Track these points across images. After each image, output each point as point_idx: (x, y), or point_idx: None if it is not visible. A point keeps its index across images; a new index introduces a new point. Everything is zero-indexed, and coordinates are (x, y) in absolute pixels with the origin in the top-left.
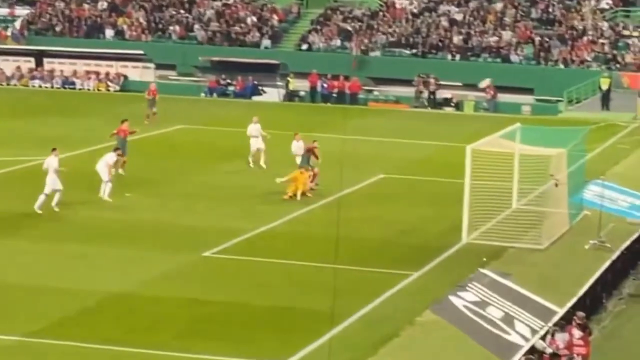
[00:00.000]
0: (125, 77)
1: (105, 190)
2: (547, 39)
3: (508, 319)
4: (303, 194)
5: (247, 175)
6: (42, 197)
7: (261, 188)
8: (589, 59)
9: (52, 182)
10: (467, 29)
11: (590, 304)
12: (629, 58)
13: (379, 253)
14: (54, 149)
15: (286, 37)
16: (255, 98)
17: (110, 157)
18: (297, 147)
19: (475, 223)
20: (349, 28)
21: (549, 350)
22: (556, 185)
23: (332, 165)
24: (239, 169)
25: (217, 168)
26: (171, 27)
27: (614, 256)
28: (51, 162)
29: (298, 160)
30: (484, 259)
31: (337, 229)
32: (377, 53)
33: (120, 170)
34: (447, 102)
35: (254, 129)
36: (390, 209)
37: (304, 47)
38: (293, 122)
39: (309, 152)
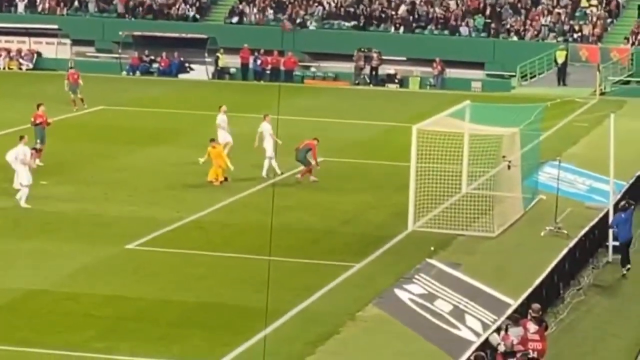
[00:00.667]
0: (39, 54)
1: (22, 197)
2: (499, 9)
3: (458, 313)
4: (224, 179)
5: (174, 159)
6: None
7: (190, 174)
8: (544, 30)
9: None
10: None
11: (547, 295)
12: (587, 29)
13: (318, 243)
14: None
15: (215, 9)
16: (182, 76)
17: (23, 153)
18: (266, 129)
19: (422, 209)
20: None
21: (502, 348)
22: (509, 167)
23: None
24: (165, 153)
25: (141, 152)
26: None
27: (572, 243)
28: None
29: (267, 144)
30: (432, 248)
31: (272, 218)
32: (314, 26)
33: (37, 161)
34: (390, 78)
35: (222, 119)
36: (330, 195)
37: (235, 20)
38: (223, 101)
39: (308, 149)
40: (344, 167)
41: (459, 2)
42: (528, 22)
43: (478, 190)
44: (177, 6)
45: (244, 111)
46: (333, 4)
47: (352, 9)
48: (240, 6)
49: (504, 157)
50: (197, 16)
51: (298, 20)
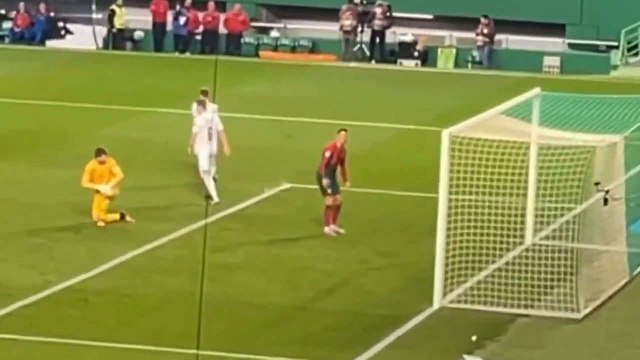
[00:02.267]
0: None
1: None
2: None
3: None
4: (120, 216)
5: (37, 185)
6: None
7: (64, 209)
8: None
9: None
10: None
11: None
12: None
13: (279, 329)
14: None
15: None
16: (52, 43)
17: None
18: (205, 122)
19: (457, 274)
20: None
21: None
22: (606, 202)
23: (194, 167)
24: (19, 175)
25: None
26: None
27: None
28: None
29: (202, 148)
30: (474, 339)
31: (202, 284)
32: None
33: None
34: (406, 50)
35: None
36: (302, 246)
37: None
38: (122, 90)
39: (336, 159)
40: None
41: None
42: None
43: (553, 240)
44: None
45: (156, 104)
46: None
47: None
48: None
49: (597, 184)
50: None
51: None
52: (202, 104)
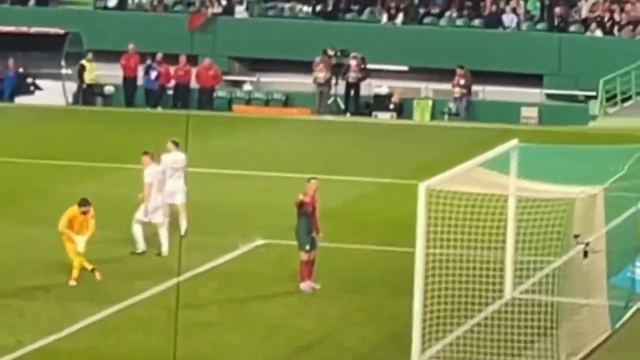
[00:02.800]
0: None
1: None
2: None
3: None
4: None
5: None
6: None
7: (32, 266)
8: None
9: None
10: None
11: None
12: None
13: None
14: None
15: None
16: (22, 99)
17: None
18: (153, 173)
19: (435, 328)
20: None
21: None
22: (585, 254)
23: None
24: None
25: None
26: None
27: None
28: None
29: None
30: None
31: (175, 346)
32: (246, 12)
33: None
34: (381, 102)
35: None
36: (277, 306)
37: (111, 2)
38: (92, 146)
39: (310, 209)
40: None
41: None
42: (617, 6)
43: (532, 294)
44: None
45: (127, 161)
46: None
47: None
48: None
49: (577, 236)
50: None
51: (222, 2)
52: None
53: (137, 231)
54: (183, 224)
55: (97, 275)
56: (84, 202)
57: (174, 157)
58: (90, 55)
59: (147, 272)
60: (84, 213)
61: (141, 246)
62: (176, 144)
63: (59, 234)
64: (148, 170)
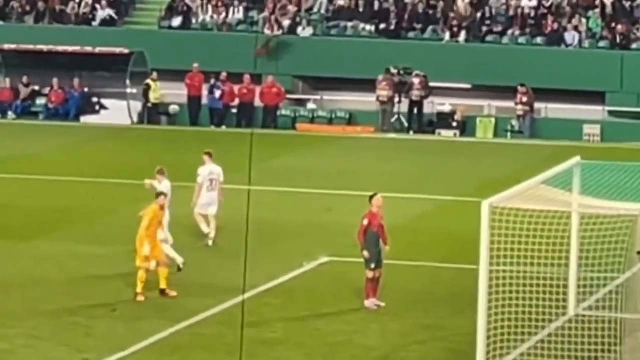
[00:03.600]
0: None
1: None
2: (629, 1)
3: None
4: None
5: (69, 262)
6: None
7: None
8: None
9: None
10: None
11: None
12: None
13: None
14: None
15: (142, 5)
16: (87, 118)
17: None
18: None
19: (499, 345)
20: None
21: None
22: None
23: (231, 238)
24: (54, 252)
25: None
26: None
27: None
28: None
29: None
30: None
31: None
32: (310, 31)
33: None
34: (444, 120)
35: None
36: (341, 324)
37: (176, 22)
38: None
39: (375, 224)
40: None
41: None
42: None
43: (596, 311)
44: (76, 0)
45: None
46: None
47: (376, 2)
48: (186, 1)
49: (639, 253)
50: (113, 15)
51: (285, 22)
52: (160, 172)
53: (169, 250)
54: (212, 233)
55: (171, 292)
56: (161, 195)
57: (209, 169)
58: (155, 75)
59: (212, 290)
60: (162, 208)
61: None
62: (210, 155)
63: (140, 238)
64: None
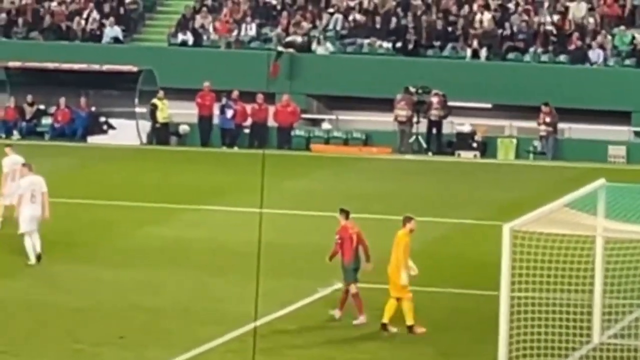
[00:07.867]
0: None
1: None
2: None
3: None
4: None
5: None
6: None
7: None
8: None
9: None
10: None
11: None
12: None
13: None
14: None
15: (152, 21)
16: (94, 139)
17: None
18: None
19: None
20: (273, 0)
21: None
22: None
23: (243, 266)
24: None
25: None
26: None
27: None
28: None
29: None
30: None
31: None
32: (326, 48)
33: None
34: (464, 141)
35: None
36: (358, 353)
37: (185, 37)
38: (167, 186)
39: (352, 240)
40: (381, 296)
41: (586, 4)
42: None
43: (621, 339)
44: (83, 15)
45: (203, 200)
46: (360, 12)
47: (394, 19)
48: (198, 17)
49: None
50: (121, 33)
51: (299, 40)
52: (27, 166)
53: (27, 244)
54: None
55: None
56: (408, 219)
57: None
58: (161, 94)
59: (222, 317)
60: (412, 231)
61: (32, 260)
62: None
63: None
64: (23, 181)
